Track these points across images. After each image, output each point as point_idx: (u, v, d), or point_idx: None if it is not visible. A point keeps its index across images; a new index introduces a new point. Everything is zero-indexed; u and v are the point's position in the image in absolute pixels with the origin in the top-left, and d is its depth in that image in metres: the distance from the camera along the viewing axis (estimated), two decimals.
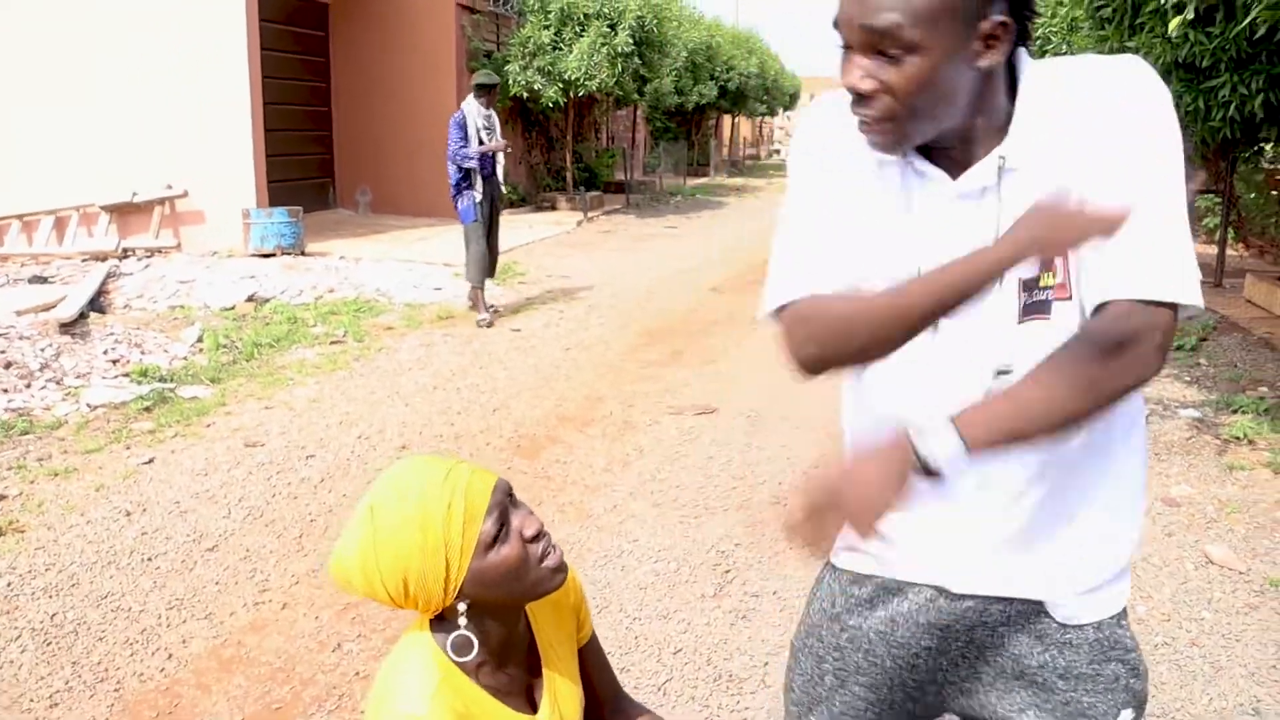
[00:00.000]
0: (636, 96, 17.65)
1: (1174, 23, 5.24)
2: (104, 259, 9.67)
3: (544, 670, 1.49)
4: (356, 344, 7.24)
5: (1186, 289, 1.15)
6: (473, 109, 7.84)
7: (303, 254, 10.53)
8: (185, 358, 6.68)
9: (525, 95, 14.98)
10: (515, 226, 13.73)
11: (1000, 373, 1.25)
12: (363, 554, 1.32)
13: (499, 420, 5.56)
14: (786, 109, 39.92)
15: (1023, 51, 1.25)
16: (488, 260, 8.11)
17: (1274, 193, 10.46)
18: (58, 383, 5.92)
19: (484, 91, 7.93)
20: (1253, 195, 10.99)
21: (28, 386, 5.78)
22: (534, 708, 1.45)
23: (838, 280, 1.30)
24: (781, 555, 3.88)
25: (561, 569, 1.40)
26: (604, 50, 14.39)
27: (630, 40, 14.67)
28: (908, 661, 1.46)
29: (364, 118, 14.84)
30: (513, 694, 1.42)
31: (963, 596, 1.40)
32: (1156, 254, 1.15)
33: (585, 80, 14.51)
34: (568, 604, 1.58)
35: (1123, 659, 1.39)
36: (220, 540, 4.02)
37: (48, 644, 3.22)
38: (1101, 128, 1.20)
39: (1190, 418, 5.53)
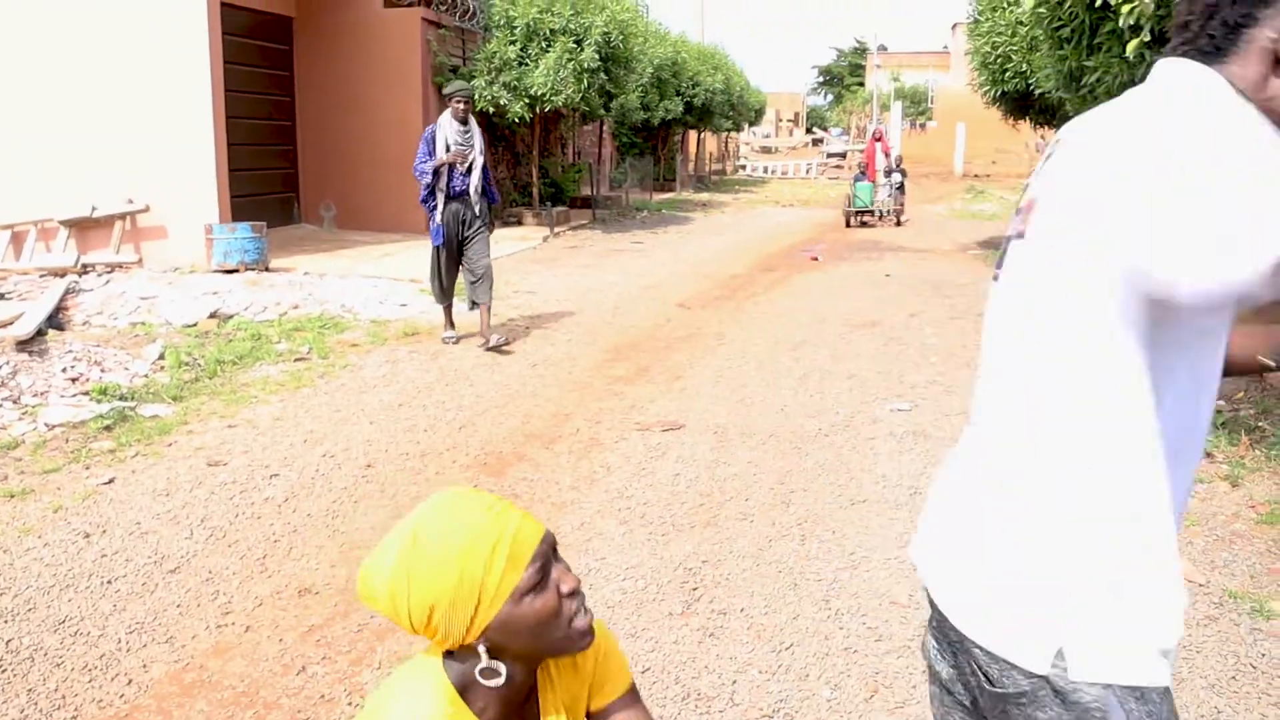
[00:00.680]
0: (603, 112, 17.69)
1: (1131, 45, 5.32)
2: (63, 275, 9.54)
3: None
4: (321, 361, 7.19)
5: None
6: (446, 123, 7.47)
7: (267, 270, 10.44)
8: (146, 375, 6.59)
9: (491, 110, 14.96)
10: None
11: None
12: (396, 575, 1.31)
13: (465, 437, 5.53)
14: (752, 124, 40.13)
15: None
16: (445, 282, 7.72)
17: None
18: (14, 401, 5.83)
19: (458, 102, 7.47)
20: None
21: None
22: None
23: None
24: (749, 572, 3.88)
25: (589, 633, 1.39)
26: (570, 66, 14.41)
27: (596, 56, 14.70)
28: None
29: (329, 132, 14.76)
30: None
31: None
32: None
33: (551, 95, 14.52)
34: (586, 668, 1.55)
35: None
36: (182, 562, 3.96)
37: (2, 671, 3.16)
38: None
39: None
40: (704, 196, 26.89)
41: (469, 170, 7.50)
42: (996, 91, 12.80)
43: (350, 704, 3.03)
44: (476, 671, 1.34)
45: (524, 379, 6.77)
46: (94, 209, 10.50)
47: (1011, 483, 1.35)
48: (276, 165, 14.56)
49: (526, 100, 14.74)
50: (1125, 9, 5.16)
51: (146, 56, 10.42)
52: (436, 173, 7.39)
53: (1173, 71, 1.33)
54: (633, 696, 1.59)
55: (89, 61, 10.48)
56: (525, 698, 1.45)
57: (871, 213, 18.18)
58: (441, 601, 1.30)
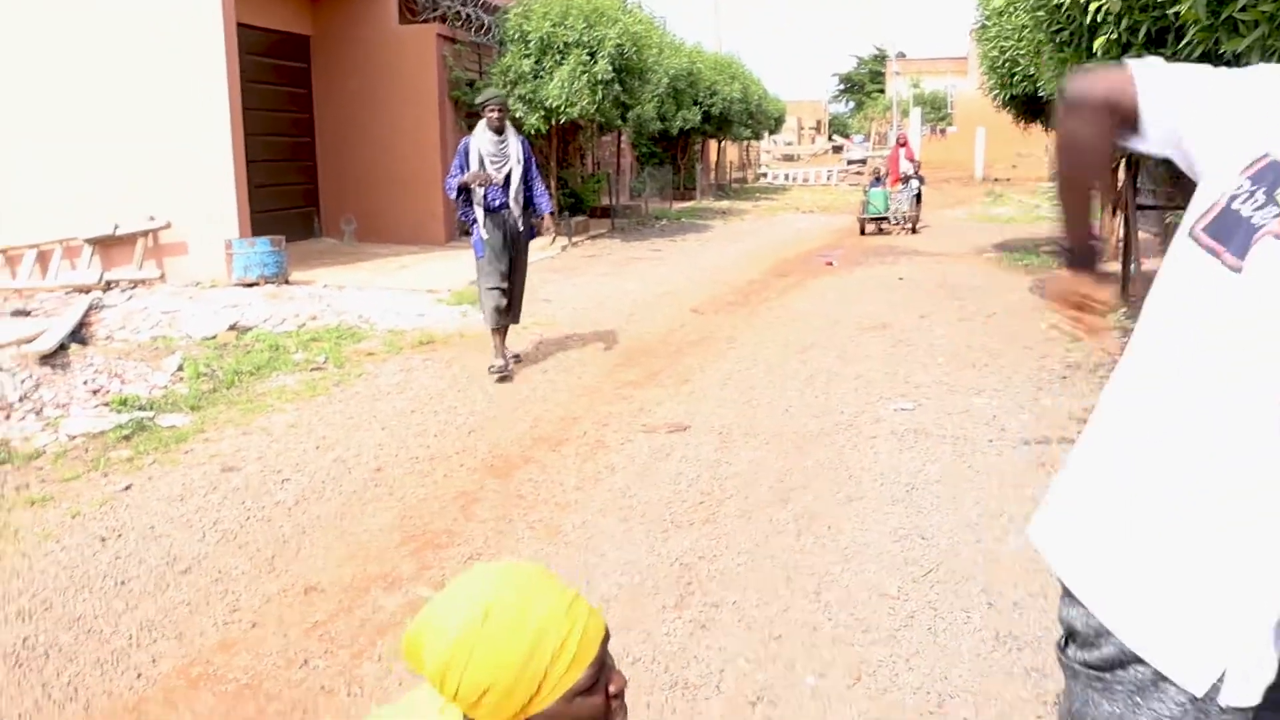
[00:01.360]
0: (620, 122, 17.80)
1: (1099, 41, 5.37)
2: (87, 291, 9.74)
3: None
4: (337, 370, 7.32)
5: None
6: (480, 134, 7.04)
7: (286, 283, 10.61)
8: (165, 387, 6.74)
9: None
10: None
11: None
12: (458, 649, 1.29)
13: (474, 441, 5.63)
14: (772, 133, 40.17)
15: None
16: (501, 301, 7.07)
17: None
18: (37, 413, 5.99)
19: (491, 111, 7.01)
20: None
21: (6, 418, 5.85)
22: None
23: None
24: (743, 567, 3.96)
25: None
26: (584, 78, 14.54)
27: (610, 68, 14.83)
28: None
29: (347, 147, 14.97)
30: None
31: None
32: None
33: (566, 107, 14.66)
34: None
35: None
36: (193, 563, 4.08)
37: (19, 665, 3.28)
38: None
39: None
40: (724, 204, 26.97)
41: (506, 182, 7.05)
42: (1006, 95, 12.80)
43: (350, 695, 3.13)
44: None
45: (535, 384, 6.88)
46: (116, 227, 10.71)
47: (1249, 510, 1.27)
48: (297, 181, 14.78)
49: (542, 112, 14.88)
50: (1093, 6, 5.22)
51: (166, 78, 10.64)
52: (464, 191, 7.01)
53: None
54: None
55: (110, 83, 10.70)
56: None
57: (886, 219, 18.02)
58: (498, 686, 1.28)
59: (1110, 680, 1.38)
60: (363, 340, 8.36)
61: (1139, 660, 1.33)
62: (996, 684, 3.12)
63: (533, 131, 15.06)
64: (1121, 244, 10.27)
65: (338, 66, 14.74)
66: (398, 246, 14.25)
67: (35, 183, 10.88)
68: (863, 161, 39.04)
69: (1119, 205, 10.75)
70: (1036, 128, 14.43)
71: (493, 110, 7.03)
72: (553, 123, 15.29)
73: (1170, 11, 4.55)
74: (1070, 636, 1.47)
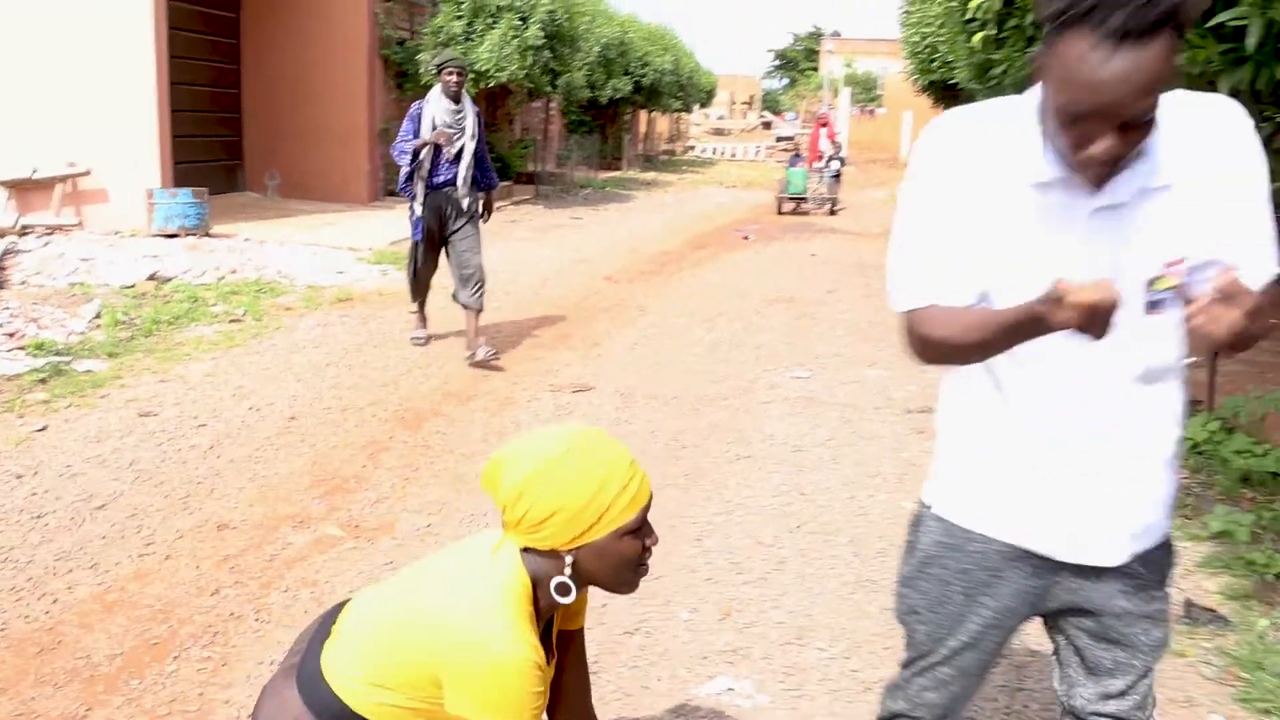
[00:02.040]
0: (549, 89, 17.92)
1: (977, 37, 5.73)
2: (2, 235, 9.68)
3: (552, 638, 1.78)
4: (255, 323, 7.45)
5: None
6: (435, 100, 6.48)
7: (208, 235, 10.62)
8: (83, 333, 6.82)
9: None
10: None
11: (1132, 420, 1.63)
12: (537, 475, 1.56)
13: (387, 395, 5.85)
14: (703, 105, 40.45)
15: None
16: (420, 276, 6.91)
17: None
18: None
19: (448, 75, 6.44)
20: None
21: None
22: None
23: (961, 289, 1.60)
24: None
25: (637, 586, 1.69)
26: (515, 43, 14.65)
27: (541, 33, 14.95)
28: (1026, 572, 1.77)
29: (274, 102, 14.87)
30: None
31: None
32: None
33: (496, 71, 14.75)
34: (575, 603, 1.79)
35: (1169, 551, 1.80)
36: (109, 500, 4.25)
37: None
38: (1220, 158, 1.53)
39: None
40: (650, 175, 27.22)
41: (457, 157, 6.53)
42: (926, 80, 13.26)
43: (258, 620, 3.37)
44: (552, 585, 1.61)
45: (448, 343, 7.10)
46: (34, 171, 10.60)
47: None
48: (221, 133, 14.66)
49: (473, 75, 14.96)
50: (972, 5, 5.57)
51: (90, 21, 10.52)
52: (416, 156, 6.44)
53: None
54: (580, 638, 1.92)
55: (31, 24, 10.56)
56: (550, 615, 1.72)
57: (805, 199, 17.79)
58: (566, 511, 1.55)
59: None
60: (282, 295, 8.48)
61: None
62: (853, 620, 3.47)
63: None
64: None
65: (268, 18, 14.62)
66: (322, 204, 14.26)
67: None
68: (791, 138, 39.50)
69: None
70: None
71: (450, 74, 6.44)
72: (481, 86, 15.37)
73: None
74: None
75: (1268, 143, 4.20)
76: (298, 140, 14.80)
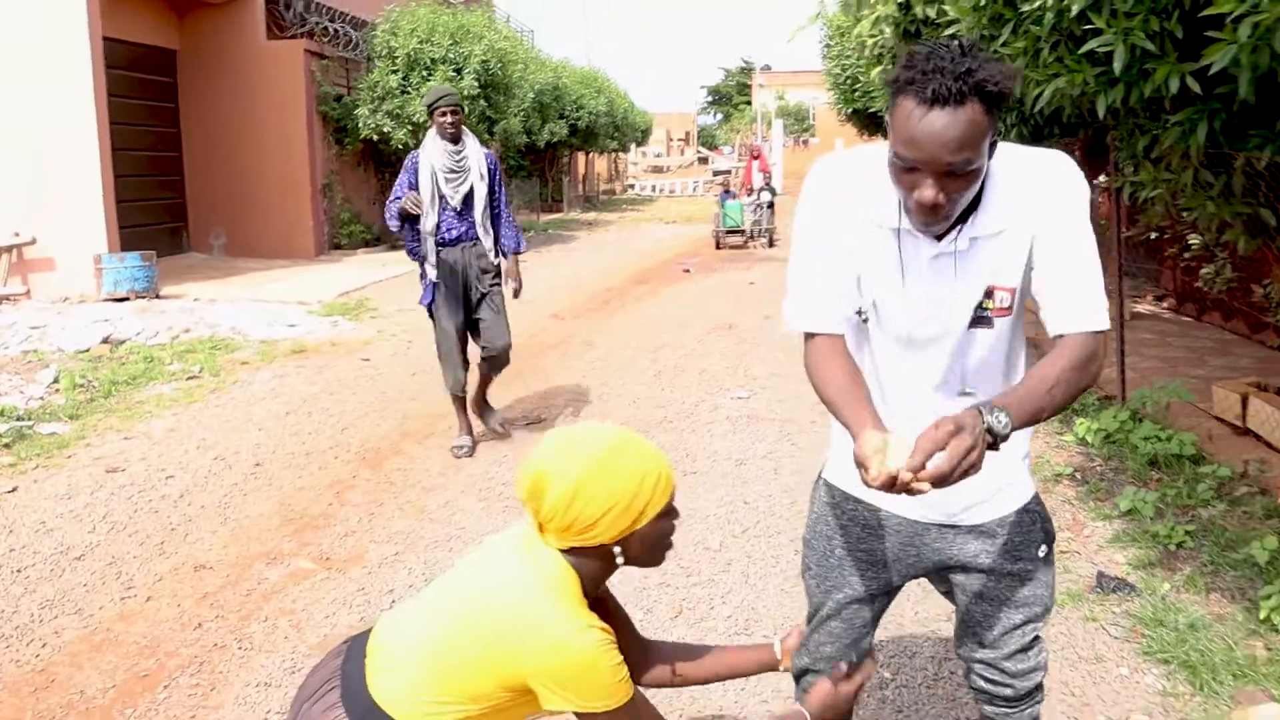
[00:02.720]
0: (487, 137, 18.27)
1: (874, 71, 6.15)
2: None
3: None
4: (213, 378, 7.64)
5: (1106, 319, 1.79)
6: (430, 145, 5.50)
7: (158, 297, 10.79)
8: (42, 398, 6.97)
9: (376, 138, 15.45)
10: (370, 265, 14.18)
11: (963, 394, 1.91)
12: (589, 478, 1.68)
13: (347, 437, 6.09)
14: (639, 144, 41.05)
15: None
16: (458, 360, 5.71)
17: None
18: None
19: (441, 115, 5.45)
20: None
21: None
22: None
23: (843, 311, 1.91)
24: None
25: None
26: None
27: (476, 83, 15.31)
28: (898, 530, 2.07)
29: (216, 162, 15.07)
30: None
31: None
32: (1093, 298, 1.78)
33: None
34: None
35: (1034, 518, 2.06)
36: (87, 551, 4.45)
37: None
38: (1044, 209, 1.77)
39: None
40: (591, 216, 27.64)
41: (467, 203, 5.54)
42: (849, 109, 13.78)
43: (240, 649, 3.59)
44: (598, 571, 1.76)
45: (403, 386, 7.34)
46: None
47: None
48: (164, 195, 14.82)
49: (410, 127, 15.25)
50: (870, 43, 5.99)
51: (30, 93, 10.69)
52: (405, 219, 5.48)
53: None
54: (609, 592, 2.06)
55: None
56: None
57: (741, 232, 17.74)
58: (618, 505, 1.69)
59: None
60: (236, 351, 8.67)
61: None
62: (795, 611, 3.76)
63: (400, 146, 15.41)
64: None
65: (205, 82, 14.85)
66: (268, 260, 14.44)
67: None
68: (728, 172, 40.13)
69: None
70: (879, 138, 15.47)
71: (444, 113, 5.44)
72: (420, 138, 15.67)
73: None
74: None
75: (1146, 153, 4.61)
76: (241, 199, 15.00)
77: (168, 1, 14.51)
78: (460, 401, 5.82)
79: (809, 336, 1.94)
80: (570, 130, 25.64)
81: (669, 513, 1.79)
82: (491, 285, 5.68)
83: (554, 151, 27.57)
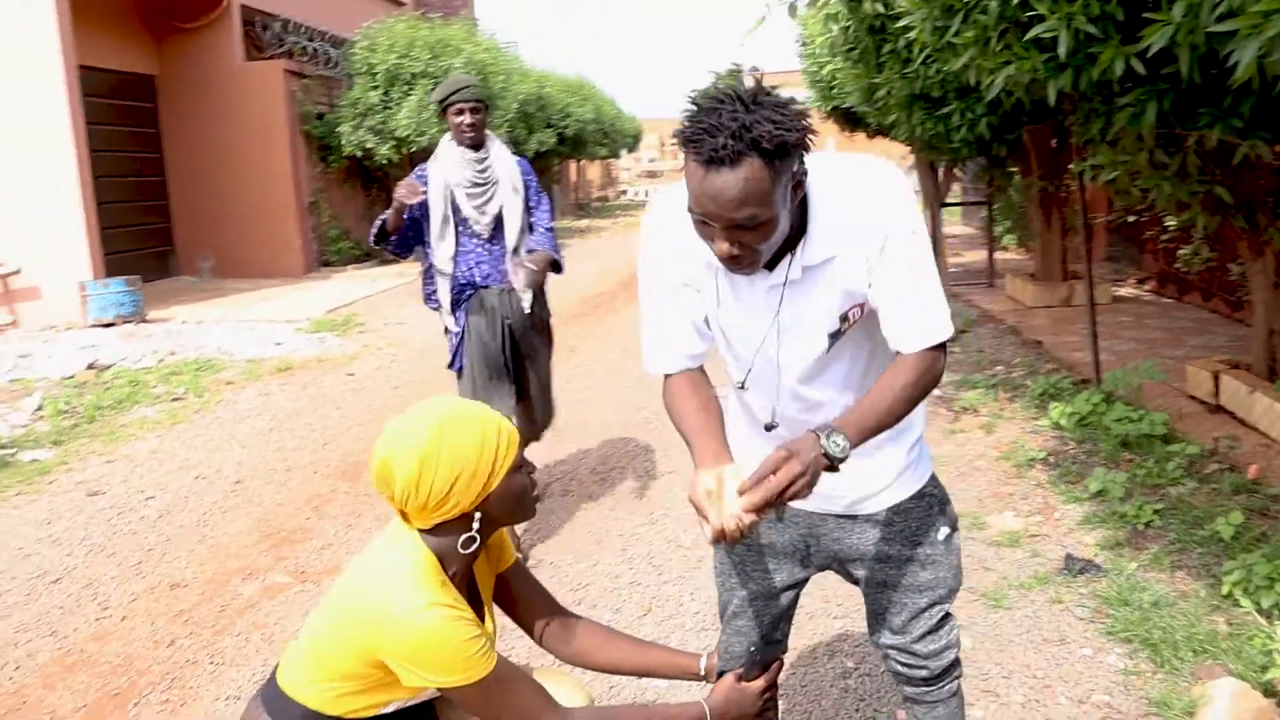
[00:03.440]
0: None
1: (827, 68, 6.14)
2: None
3: (480, 593, 1.99)
4: (197, 399, 7.66)
5: (945, 329, 1.80)
6: (445, 154, 4.25)
7: (144, 321, 10.80)
8: (25, 425, 7.00)
9: (360, 154, 15.48)
10: (359, 281, 14.20)
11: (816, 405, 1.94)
12: (429, 450, 1.70)
13: (328, 452, 6.10)
14: (630, 150, 41.06)
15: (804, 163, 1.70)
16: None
17: (1021, 204, 11.74)
18: None
19: (456, 114, 4.14)
20: (998, 205, 12.45)
21: None
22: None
23: (693, 349, 1.95)
24: (562, 534, 4.55)
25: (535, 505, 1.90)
26: (432, 107, 15.01)
27: None
28: (796, 523, 2.10)
29: (200, 185, 15.09)
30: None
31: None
32: (927, 314, 1.78)
33: (416, 136, 15.09)
34: (498, 541, 2.05)
35: (932, 502, 2.09)
36: (64, 574, 4.46)
37: None
38: (870, 230, 1.75)
39: (931, 396, 6.44)
40: (584, 223, 27.68)
41: (497, 230, 4.30)
42: (829, 107, 13.77)
43: (212, 664, 3.61)
44: (459, 542, 1.78)
45: (386, 399, 7.36)
46: None
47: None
48: (150, 221, 14.84)
49: (393, 142, 15.29)
50: (819, 40, 5.99)
51: (6, 125, 10.72)
52: (385, 235, 4.27)
53: None
54: (520, 565, 2.11)
55: None
56: (469, 574, 1.90)
57: None
58: (466, 471, 1.71)
59: None
60: (222, 371, 8.69)
61: None
62: None
63: (385, 161, 15.46)
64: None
65: (186, 106, 14.88)
66: (257, 280, 14.46)
67: None
68: None
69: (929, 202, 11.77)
70: (860, 136, 15.49)
71: (460, 112, 4.15)
72: (404, 152, 15.71)
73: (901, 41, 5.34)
74: None
75: (1103, 136, 4.63)
76: (228, 221, 15.02)
77: (145, 27, 14.54)
78: None
79: (666, 375, 1.98)
80: (559, 139, 25.65)
81: (520, 466, 1.83)
82: (532, 339, 4.47)
83: (544, 161, 27.60)
